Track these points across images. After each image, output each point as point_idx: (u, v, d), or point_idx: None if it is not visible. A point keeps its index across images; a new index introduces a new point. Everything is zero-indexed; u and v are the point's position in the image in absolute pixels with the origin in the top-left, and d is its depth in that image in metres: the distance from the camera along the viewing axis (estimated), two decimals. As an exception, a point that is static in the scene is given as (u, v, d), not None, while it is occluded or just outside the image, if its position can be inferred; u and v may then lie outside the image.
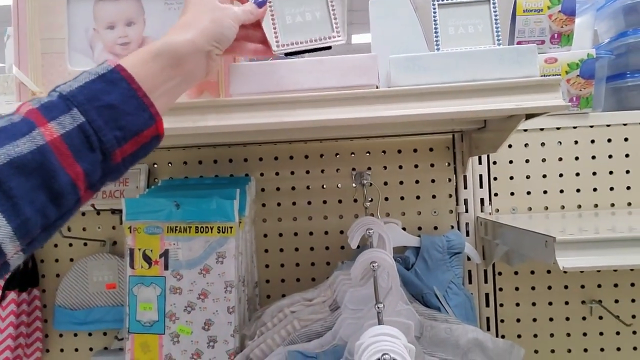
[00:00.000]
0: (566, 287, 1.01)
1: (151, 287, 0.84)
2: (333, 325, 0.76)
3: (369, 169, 1.04)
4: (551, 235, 0.66)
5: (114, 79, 0.46)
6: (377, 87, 0.62)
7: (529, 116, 0.69)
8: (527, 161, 1.03)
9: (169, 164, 1.07)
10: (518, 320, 1.02)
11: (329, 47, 0.64)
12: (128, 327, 0.84)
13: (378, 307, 0.66)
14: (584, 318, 1.01)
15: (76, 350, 1.05)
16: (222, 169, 1.06)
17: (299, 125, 0.60)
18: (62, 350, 1.05)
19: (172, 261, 0.85)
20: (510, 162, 1.03)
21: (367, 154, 1.05)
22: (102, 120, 0.44)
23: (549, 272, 1.01)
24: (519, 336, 1.01)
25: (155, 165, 1.07)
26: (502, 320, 1.02)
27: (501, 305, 1.02)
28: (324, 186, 1.05)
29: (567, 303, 1.01)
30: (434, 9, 0.66)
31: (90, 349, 1.05)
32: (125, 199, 0.87)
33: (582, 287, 1.01)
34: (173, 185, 1.00)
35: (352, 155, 1.05)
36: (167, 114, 0.61)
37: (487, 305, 1.01)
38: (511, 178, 1.03)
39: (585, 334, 1.01)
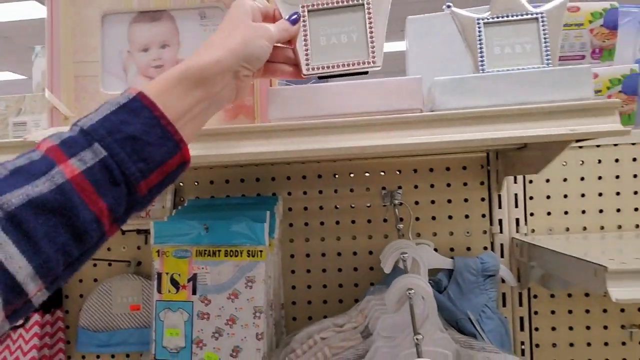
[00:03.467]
0: (605, 310, 0.97)
1: (178, 312, 0.82)
2: (365, 353, 0.73)
3: (400, 187, 1.01)
4: (602, 265, 0.62)
5: (135, 108, 0.44)
6: (421, 111, 0.59)
7: (578, 140, 0.65)
8: (564, 180, 0.99)
9: (196, 183, 1.05)
10: (554, 345, 0.97)
11: (365, 73, 0.61)
12: (155, 353, 0.81)
13: (417, 339, 0.63)
14: (623, 343, 0.97)
15: (98, 373, 1.03)
16: (249, 188, 1.04)
17: (342, 152, 0.57)
18: (84, 373, 1.03)
19: (201, 286, 0.82)
20: (547, 180, 0.99)
21: (398, 173, 1.02)
22: (125, 152, 0.43)
23: (587, 295, 0.97)
24: (555, 363, 0.97)
25: (182, 185, 1.05)
26: (537, 345, 0.98)
27: (536, 329, 0.98)
28: (353, 206, 1.02)
29: (605, 327, 0.97)
30: (479, 27, 0.63)
31: (114, 373, 1.03)
32: (153, 222, 0.85)
33: (622, 310, 0.97)
34: (200, 206, 0.98)
35: (382, 174, 1.02)
36: (201, 140, 0.59)
37: (522, 329, 0.97)
38: (548, 197, 0.99)
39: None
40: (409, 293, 0.70)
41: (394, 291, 0.72)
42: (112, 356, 1.02)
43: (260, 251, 0.82)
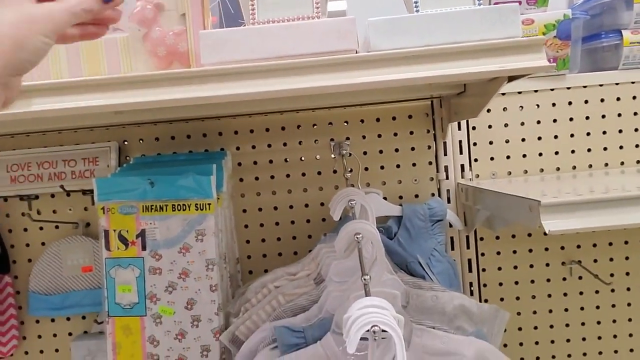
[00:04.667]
0: (546, 249, 1.02)
1: (129, 268, 0.82)
2: (318, 298, 0.75)
3: (348, 138, 1.02)
4: (535, 199, 0.65)
5: None
6: (356, 52, 0.60)
7: (510, 79, 0.67)
8: (506, 125, 1.02)
9: (140, 141, 1.03)
10: (500, 284, 1.02)
11: None
12: (108, 310, 0.81)
13: (364, 279, 0.65)
14: (564, 279, 1.03)
15: (54, 335, 1.02)
16: (196, 144, 1.03)
17: (276, 94, 0.57)
18: (39, 336, 1.02)
19: (150, 241, 0.82)
20: (490, 126, 1.02)
21: (345, 124, 1.02)
22: None
23: (529, 235, 1.02)
24: (501, 299, 1.02)
25: (126, 143, 1.02)
26: (484, 285, 1.03)
27: (484, 270, 1.02)
28: (303, 158, 1.02)
29: (547, 265, 1.03)
30: (413, -32, 0.63)
31: (70, 334, 1.02)
32: (95, 179, 0.84)
33: (562, 248, 1.02)
34: (145, 163, 0.96)
35: (330, 125, 1.02)
36: (134, 87, 0.58)
37: (470, 270, 1.02)
38: (490, 143, 1.02)
39: (565, 294, 1.03)
40: (357, 238, 0.72)
41: (343, 236, 0.74)
42: (68, 319, 1.01)
43: (209, 204, 0.82)
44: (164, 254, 0.82)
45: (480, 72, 0.57)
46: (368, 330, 0.55)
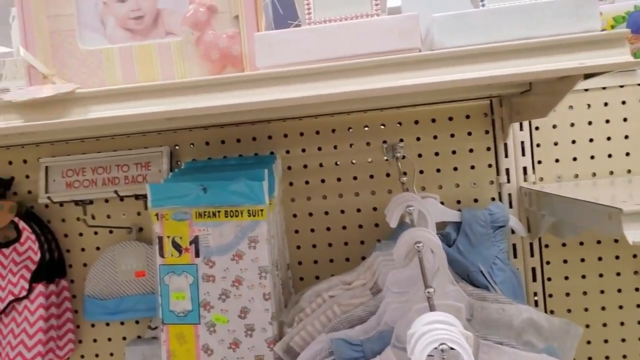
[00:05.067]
0: (617, 257, 0.95)
1: (183, 275, 0.81)
2: (376, 309, 0.72)
3: (401, 140, 0.98)
4: (616, 207, 0.60)
5: None
6: (419, 51, 0.56)
7: (586, 76, 0.62)
8: (572, 125, 0.96)
9: (191, 145, 1.02)
10: (567, 295, 0.96)
11: None
12: (162, 317, 0.80)
13: (428, 292, 0.61)
14: (637, 289, 0.95)
15: (109, 340, 1.04)
16: (246, 148, 1.01)
17: (335, 97, 0.54)
18: (95, 340, 1.04)
19: (203, 248, 0.81)
20: (554, 126, 0.96)
21: (399, 125, 0.98)
22: None
23: (599, 242, 0.95)
24: (568, 311, 0.96)
25: (177, 147, 1.02)
26: (550, 295, 0.96)
27: (549, 279, 0.96)
28: (354, 161, 0.99)
29: (618, 274, 0.95)
30: (478, -41, 0.59)
31: (124, 338, 1.03)
32: (149, 185, 0.83)
33: (635, 256, 0.95)
34: (196, 168, 0.96)
35: (383, 127, 0.99)
36: (189, 93, 0.56)
37: (534, 280, 0.96)
38: (555, 144, 0.96)
39: (638, 306, 0.95)
40: (418, 246, 0.68)
41: (402, 245, 0.70)
42: (122, 323, 1.02)
43: (261, 210, 0.81)
44: (217, 261, 0.80)
45: (559, 70, 0.52)
46: (435, 348, 0.52)
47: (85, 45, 0.59)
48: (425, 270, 0.65)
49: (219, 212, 0.81)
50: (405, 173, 0.95)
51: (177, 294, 0.80)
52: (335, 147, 1.00)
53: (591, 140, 0.96)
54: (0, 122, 0.60)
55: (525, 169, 0.96)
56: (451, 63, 0.55)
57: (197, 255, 0.81)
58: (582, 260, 0.95)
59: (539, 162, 0.96)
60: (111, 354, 1.03)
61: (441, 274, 0.68)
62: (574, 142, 0.96)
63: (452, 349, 0.52)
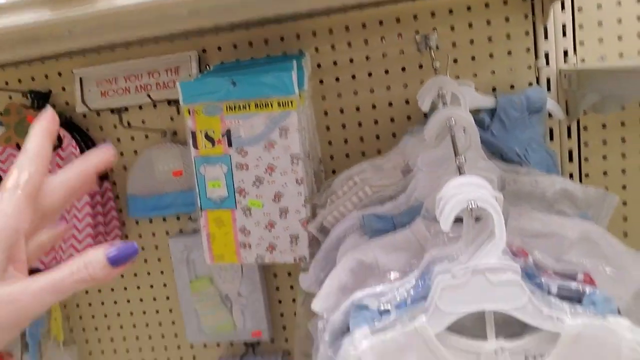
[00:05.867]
0: (662, 134, 0.91)
1: (217, 165, 0.83)
2: (406, 189, 0.72)
3: (434, 29, 0.94)
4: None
5: None
6: None
7: None
8: (618, 4, 0.89)
9: (219, 49, 1.01)
10: (605, 174, 0.93)
11: None
12: (200, 205, 0.84)
13: (459, 161, 0.61)
14: (681, 169, 0.91)
15: (153, 234, 1.09)
16: (274, 49, 1.00)
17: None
18: (140, 235, 1.09)
19: (235, 139, 0.82)
20: (599, 6, 0.89)
21: (432, 16, 0.94)
22: None
23: (642, 121, 0.91)
24: (606, 189, 0.93)
25: (205, 52, 1.02)
26: (586, 175, 0.94)
27: (586, 159, 0.93)
28: (385, 54, 0.96)
29: (661, 153, 0.91)
30: None
31: (167, 233, 1.08)
32: (180, 83, 0.84)
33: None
34: (225, 68, 0.95)
35: (415, 19, 0.95)
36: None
37: (571, 160, 0.93)
38: (599, 24, 0.90)
39: (681, 182, 0.92)
40: (450, 124, 0.66)
41: (434, 123, 0.68)
42: (164, 219, 1.07)
43: (291, 101, 0.80)
44: (249, 151, 0.82)
45: None
46: (465, 208, 0.51)
47: None
48: (456, 146, 0.64)
49: (249, 104, 0.82)
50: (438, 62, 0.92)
51: (213, 183, 0.83)
52: (365, 42, 0.97)
53: (639, 18, 0.89)
54: (30, 16, 0.61)
55: (566, 51, 0.91)
56: None
57: (229, 145, 0.82)
58: (623, 140, 0.92)
59: (582, 43, 0.91)
60: (156, 247, 1.09)
61: (473, 150, 0.67)
62: (619, 20, 0.89)
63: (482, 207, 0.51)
